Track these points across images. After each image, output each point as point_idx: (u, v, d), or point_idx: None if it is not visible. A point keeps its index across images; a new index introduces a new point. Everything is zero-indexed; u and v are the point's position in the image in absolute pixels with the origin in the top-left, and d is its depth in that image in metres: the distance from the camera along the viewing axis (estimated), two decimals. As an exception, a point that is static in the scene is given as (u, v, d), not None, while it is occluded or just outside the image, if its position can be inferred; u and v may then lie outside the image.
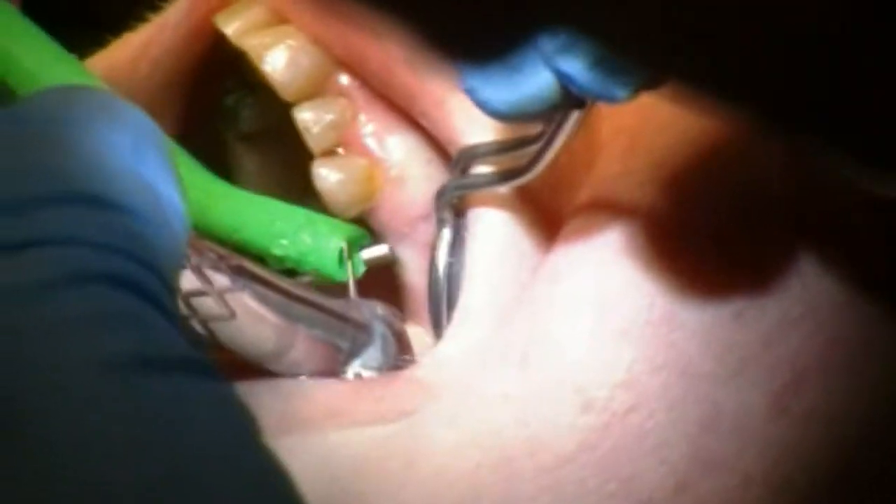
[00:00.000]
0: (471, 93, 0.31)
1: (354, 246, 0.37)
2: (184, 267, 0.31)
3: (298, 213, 0.37)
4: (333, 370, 0.34)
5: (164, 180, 0.27)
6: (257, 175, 0.43)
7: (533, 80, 0.30)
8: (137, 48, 0.41)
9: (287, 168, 0.43)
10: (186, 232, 0.27)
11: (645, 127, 0.34)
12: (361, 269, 0.37)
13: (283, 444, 0.31)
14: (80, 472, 0.21)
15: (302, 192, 0.41)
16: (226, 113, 0.42)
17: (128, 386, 0.23)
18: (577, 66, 0.28)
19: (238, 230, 0.37)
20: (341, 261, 0.37)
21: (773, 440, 0.32)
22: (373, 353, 0.35)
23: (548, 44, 0.27)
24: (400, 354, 0.36)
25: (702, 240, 0.33)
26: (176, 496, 0.22)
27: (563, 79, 0.29)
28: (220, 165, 0.41)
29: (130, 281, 0.24)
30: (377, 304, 0.36)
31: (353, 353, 0.35)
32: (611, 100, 0.29)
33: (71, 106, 0.27)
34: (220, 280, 0.32)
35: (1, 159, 0.25)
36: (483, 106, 0.31)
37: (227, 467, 0.23)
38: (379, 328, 0.35)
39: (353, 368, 0.35)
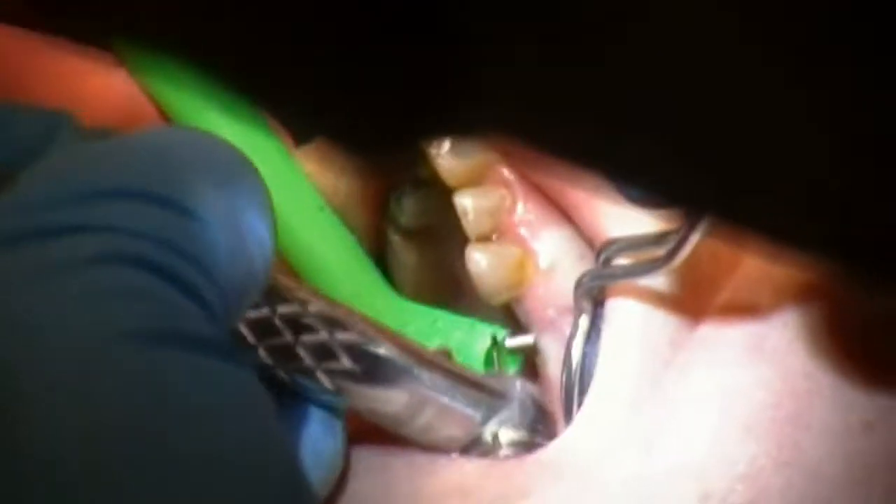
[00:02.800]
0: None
1: (505, 334, 0.39)
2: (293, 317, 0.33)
3: (456, 318, 0.40)
4: (466, 435, 0.36)
5: (252, 211, 0.28)
6: (413, 268, 0.44)
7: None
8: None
9: (441, 264, 0.44)
10: (266, 263, 0.29)
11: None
12: (513, 367, 0.39)
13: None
14: (76, 443, 0.23)
15: (454, 287, 0.43)
16: (389, 208, 0.44)
17: (133, 356, 0.24)
18: None
19: (402, 331, 0.39)
20: (488, 360, 0.39)
21: None
22: (510, 414, 0.36)
23: None
24: (540, 423, 0.37)
25: (837, 347, 0.33)
26: (164, 458, 0.23)
27: None
28: (380, 257, 0.43)
29: (163, 268, 0.25)
30: (519, 378, 0.38)
31: (488, 419, 0.36)
32: None
33: (172, 136, 0.29)
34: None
35: (86, 158, 0.27)
36: (620, 190, 0.32)
37: (229, 442, 0.24)
38: (518, 394, 0.37)
39: (490, 428, 0.36)
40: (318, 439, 0.34)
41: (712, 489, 0.32)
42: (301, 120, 0.24)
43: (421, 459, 0.36)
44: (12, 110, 0.32)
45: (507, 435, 0.36)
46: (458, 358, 0.38)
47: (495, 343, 0.39)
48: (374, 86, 0.22)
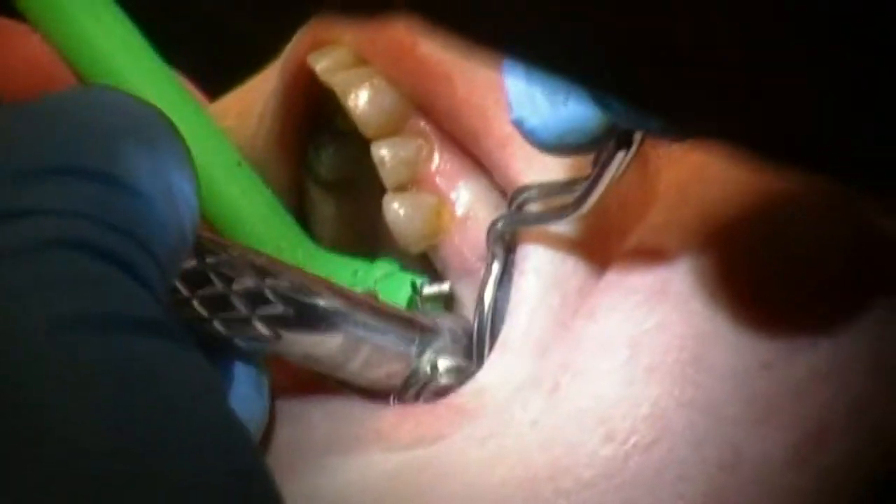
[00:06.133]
0: (519, 123, 0.33)
1: (422, 282, 0.40)
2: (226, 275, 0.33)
3: (375, 268, 0.41)
4: (405, 369, 0.37)
5: (178, 173, 0.28)
6: (332, 220, 0.45)
7: (577, 111, 0.32)
8: (244, 99, 0.44)
9: (359, 215, 0.45)
10: (194, 222, 0.29)
11: (697, 180, 0.35)
12: (432, 307, 0.40)
13: (326, 461, 0.35)
14: (18, 432, 0.22)
15: (372, 238, 0.44)
16: (308, 160, 0.45)
17: (76, 344, 0.23)
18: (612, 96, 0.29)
19: None
20: (411, 304, 0.40)
21: (792, 490, 0.33)
22: (443, 344, 0.37)
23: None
24: (473, 351, 0.38)
25: (739, 290, 0.34)
26: (118, 454, 0.22)
27: (601, 106, 0.31)
28: (299, 209, 0.44)
29: (106, 249, 0.25)
30: (446, 313, 0.39)
31: (422, 351, 0.37)
32: (646, 129, 0.31)
33: (90, 99, 0.29)
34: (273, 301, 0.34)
35: (9, 132, 0.27)
36: (530, 136, 0.33)
37: (178, 422, 0.23)
38: (448, 325, 0.38)
39: (427, 359, 0.37)
40: (248, 398, 0.35)
41: (616, 430, 0.33)
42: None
43: (338, 406, 0.37)
44: None
45: (444, 363, 0.37)
46: (381, 304, 0.39)
47: (414, 290, 0.39)
48: None
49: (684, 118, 0.24)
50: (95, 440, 0.22)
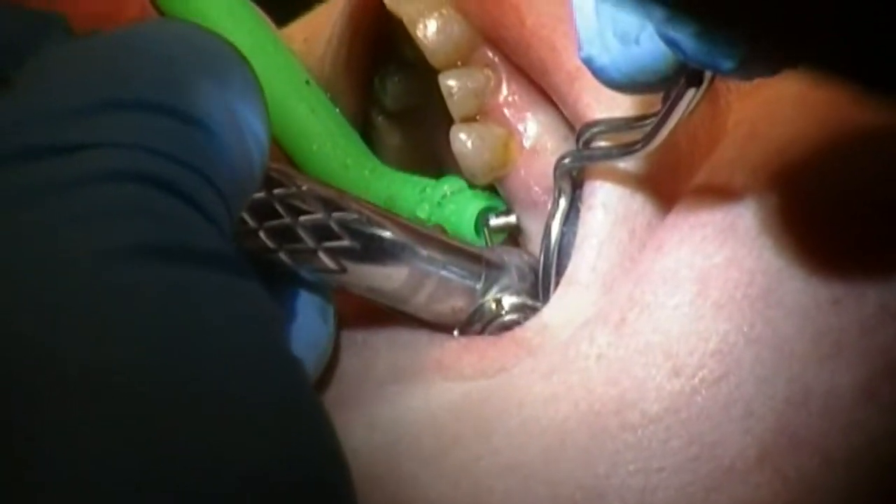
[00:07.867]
0: (588, 61, 0.33)
1: (489, 214, 0.40)
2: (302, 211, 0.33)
3: (443, 183, 0.40)
4: (469, 305, 0.37)
5: (248, 108, 0.28)
6: (398, 151, 0.45)
7: (647, 50, 0.31)
8: (312, 26, 0.44)
9: (424, 146, 0.45)
10: (263, 158, 0.29)
11: (767, 117, 0.35)
12: (498, 238, 0.40)
13: (388, 390, 0.36)
14: (69, 354, 0.23)
15: (437, 169, 0.43)
16: (373, 90, 0.44)
17: (126, 274, 0.24)
18: (683, 34, 0.29)
19: (391, 200, 0.40)
20: (478, 228, 0.40)
21: (860, 425, 0.33)
22: (509, 281, 0.37)
23: (658, 11, 0.28)
24: (540, 288, 0.38)
25: (810, 227, 0.34)
26: (165, 377, 0.23)
27: (671, 46, 0.30)
28: (364, 139, 0.43)
29: (170, 183, 0.25)
30: (514, 249, 0.39)
31: (488, 288, 0.37)
32: (717, 70, 0.30)
33: (161, 33, 0.29)
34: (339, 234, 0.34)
35: (79, 68, 0.27)
36: (599, 74, 0.33)
37: (224, 355, 0.24)
38: (515, 262, 0.38)
39: (492, 296, 0.37)
40: (314, 326, 0.35)
41: (683, 365, 0.33)
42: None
43: (402, 336, 0.37)
44: None
45: (510, 301, 0.37)
46: (450, 223, 0.39)
47: (480, 223, 0.40)
48: None
49: (770, 43, 0.24)
50: (133, 368, 0.23)
